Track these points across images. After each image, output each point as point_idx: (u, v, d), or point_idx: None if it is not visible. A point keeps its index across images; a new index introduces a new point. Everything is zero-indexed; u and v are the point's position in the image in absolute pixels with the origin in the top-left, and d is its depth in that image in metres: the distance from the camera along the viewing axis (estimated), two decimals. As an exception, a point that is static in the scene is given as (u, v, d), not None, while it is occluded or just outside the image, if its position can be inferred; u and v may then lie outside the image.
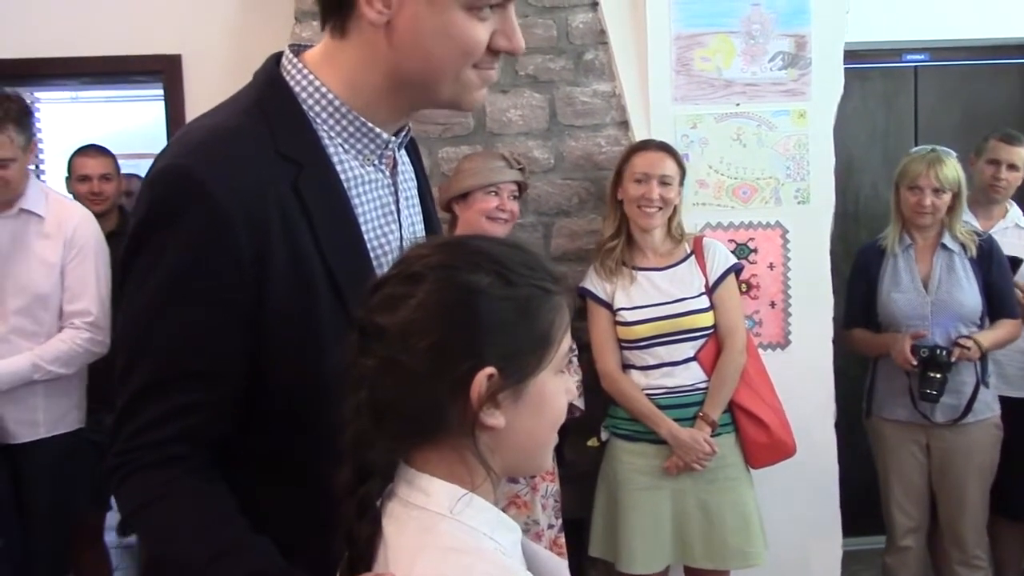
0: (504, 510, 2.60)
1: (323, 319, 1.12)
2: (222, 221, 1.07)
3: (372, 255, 1.20)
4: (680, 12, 3.13)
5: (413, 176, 1.32)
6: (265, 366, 1.12)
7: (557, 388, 1.02)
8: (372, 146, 1.20)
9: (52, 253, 2.81)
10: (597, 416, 2.87)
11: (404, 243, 1.24)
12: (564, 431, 2.67)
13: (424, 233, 1.32)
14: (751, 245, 3.19)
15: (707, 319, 2.72)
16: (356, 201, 1.19)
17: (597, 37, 3.16)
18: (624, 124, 3.17)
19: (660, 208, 2.73)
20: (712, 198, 3.18)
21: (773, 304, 3.20)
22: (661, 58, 3.14)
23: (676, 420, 2.68)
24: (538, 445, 1.04)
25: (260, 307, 1.10)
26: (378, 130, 1.19)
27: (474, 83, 1.17)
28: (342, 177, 1.18)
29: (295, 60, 1.20)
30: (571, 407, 2.77)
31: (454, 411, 0.95)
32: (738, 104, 3.17)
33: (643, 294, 2.74)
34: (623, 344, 2.77)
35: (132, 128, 6.51)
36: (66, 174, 3.61)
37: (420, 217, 1.32)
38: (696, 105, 3.16)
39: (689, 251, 2.80)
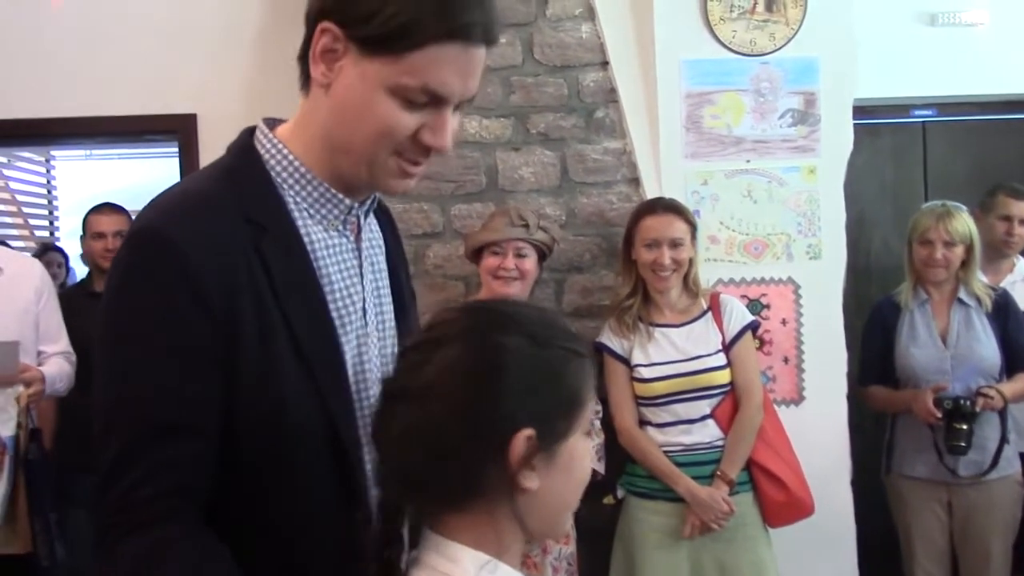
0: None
1: (285, 378, 1.13)
2: (193, 275, 1.08)
3: (336, 317, 1.20)
4: (689, 71, 3.17)
5: (381, 244, 1.32)
6: (232, 423, 1.12)
7: (585, 450, 1.03)
8: (336, 211, 1.22)
9: (21, 300, 2.87)
10: (612, 473, 2.84)
11: (367, 307, 1.25)
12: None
13: (391, 302, 1.31)
14: (764, 301, 3.19)
15: (724, 376, 2.70)
16: (320, 264, 1.20)
17: (607, 96, 3.19)
18: (635, 181, 3.18)
19: (674, 270, 2.73)
20: (724, 254, 3.19)
21: (787, 360, 3.18)
22: (671, 116, 3.17)
23: (693, 478, 2.65)
24: (565, 508, 1.04)
25: (230, 363, 1.11)
26: (340, 196, 1.21)
27: (392, 170, 1.16)
28: (306, 240, 1.19)
29: (266, 131, 1.24)
30: (592, 471, 2.75)
31: (491, 474, 0.95)
32: (748, 160, 3.19)
33: (660, 351, 2.73)
34: (640, 401, 2.75)
35: (147, 184, 6.54)
36: (81, 232, 3.65)
37: (386, 283, 1.31)
38: (707, 162, 3.18)
39: (706, 307, 2.79)
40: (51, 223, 5.47)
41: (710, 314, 2.77)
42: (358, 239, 1.26)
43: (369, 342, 1.23)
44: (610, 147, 3.19)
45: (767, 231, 3.19)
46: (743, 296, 3.14)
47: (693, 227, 2.80)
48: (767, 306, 3.19)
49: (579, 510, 2.68)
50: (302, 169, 1.19)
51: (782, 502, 2.70)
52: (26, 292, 2.87)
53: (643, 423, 2.77)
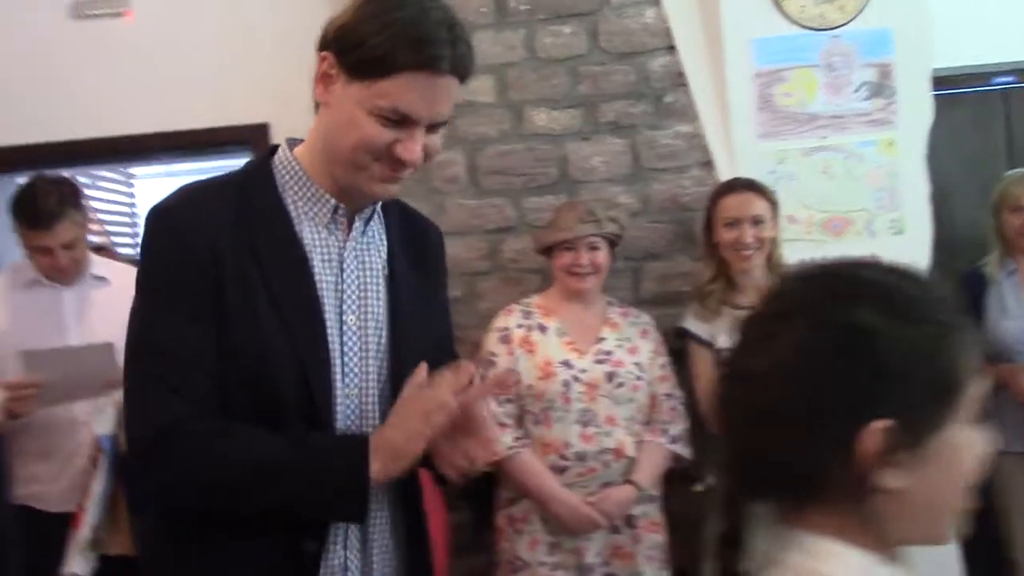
0: (607, 561, 2.54)
1: (263, 329, 1.35)
2: (185, 245, 1.35)
3: (322, 309, 1.40)
4: (759, 49, 3.12)
5: (381, 248, 1.49)
6: (223, 368, 1.35)
7: (968, 441, 0.88)
8: (324, 209, 1.41)
9: (127, 312, 2.90)
10: (701, 460, 2.81)
11: (344, 297, 1.43)
12: (670, 476, 2.62)
13: (382, 299, 1.47)
14: (847, 279, 3.11)
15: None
16: (308, 256, 1.41)
17: (676, 80, 3.16)
18: (708, 164, 3.15)
19: (757, 248, 2.69)
20: (803, 233, 3.13)
21: (874, 338, 3.11)
22: (742, 96, 3.13)
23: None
24: (945, 511, 0.89)
25: (219, 314, 1.34)
26: (328, 195, 1.40)
27: (373, 175, 1.35)
28: (299, 235, 1.40)
29: (284, 146, 1.47)
30: (677, 456, 2.72)
31: (839, 470, 0.84)
32: (824, 137, 3.13)
33: (744, 334, 2.68)
34: (726, 386, 2.71)
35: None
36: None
37: (378, 282, 1.47)
38: (781, 141, 3.13)
39: (789, 288, 2.74)
40: (134, 240, 5.60)
41: None
42: (347, 238, 1.44)
43: (344, 329, 1.42)
44: (681, 131, 3.15)
45: (847, 208, 3.12)
46: (825, 276, 3.07)
47: (774, 205, 2.76)
48: (850, 284, 3.11)
49: (668, 499, 2.67)
50: (300, 172, 1.41)
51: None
52: (129, 303, 2.92)
53: (730, 408, 2.72)
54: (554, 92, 3.15)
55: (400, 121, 1.30)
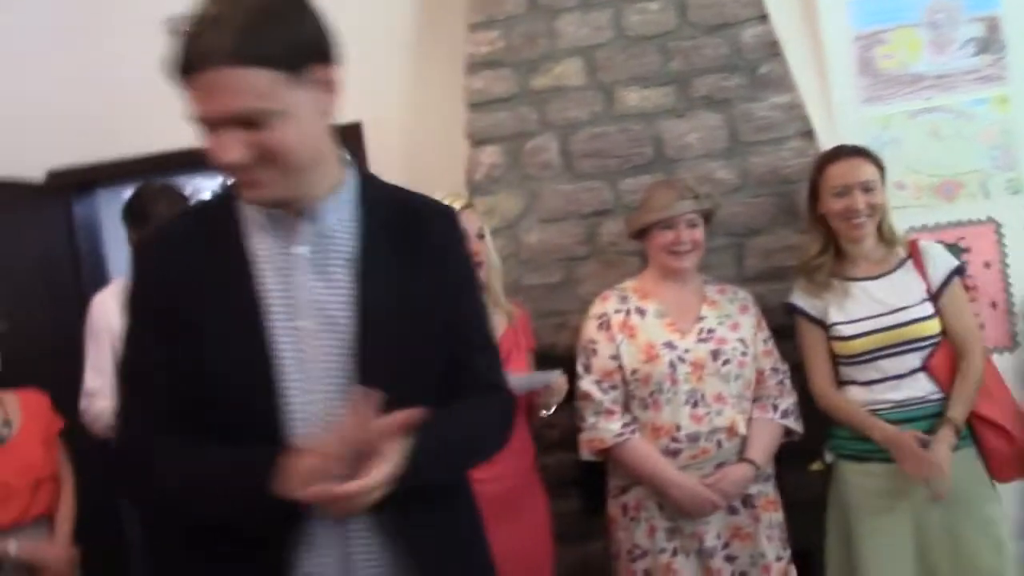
0: (728, 543, 2.50)
1: (215, 361, 1.41)
2: (148, 270, 1.49)
3: (264, 306, 1.41)
4: (857, 11, 3.02)
5: (344, 252, 1.45)
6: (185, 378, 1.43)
7: None
8: (272, 223, 1.43)
9: None
10: (817, 438, 2.73)
11: (295, 314, 1.41)
12: (781, 455, 2.56)
13: (345, 301, 1.43)
14: (962, 244, 2.99)
15: (932, 327, 2.55)
16: (258, 266, 1.43)
17: (770, 49, 3.07)
18: (808, 134, 3.05)
19: (869, 216, 2.59)
20: (912, 199, 3.02)
21: (994, 305, 2.98)
22: (841, 61, 3.03)
23: (908, 436, 2.52)
24: None
25: (177, 333, 1.42)
26: (268, 210, 1.42)
27: (239, 181, 1.39)
28: (256, 248, 1.43)
29: None
30: (788, 430, 2.65)
31: None
32: (930, 98, 3.01)
33: (859, 306, 2.60)
34: (841, 360, 2.63)
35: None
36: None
37: (341, 286, 1.43)
38: (885, 105, 3.03)
39: (905, 255, 2.64)
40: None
41: (910, 262, 2.62)
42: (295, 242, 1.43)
43: (298, 334, 1.41)
44: (778, 102, 3.06)
45: (958, 170, 3.00)
46: (938, 242, 2.95)
47: (882, 171, 2.65)
48: (966, 250, 3.00)
49: (781, 475, 2.60)
50: None
51: (1008, 452, 2.52)
52: None
53: (847, 383, 2.64)
54: (644, 70, 3.10)
55: (209, 125, 1.32)
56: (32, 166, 3.68)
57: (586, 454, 2.66)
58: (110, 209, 4.03)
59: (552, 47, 3.12)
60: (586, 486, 3.00)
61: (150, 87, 3.65)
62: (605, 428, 2.58)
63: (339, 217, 1.45)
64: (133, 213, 2.81)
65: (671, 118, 3.09)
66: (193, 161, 3.63)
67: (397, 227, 1.48)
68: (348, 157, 1.53)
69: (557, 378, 2.55)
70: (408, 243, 1.48)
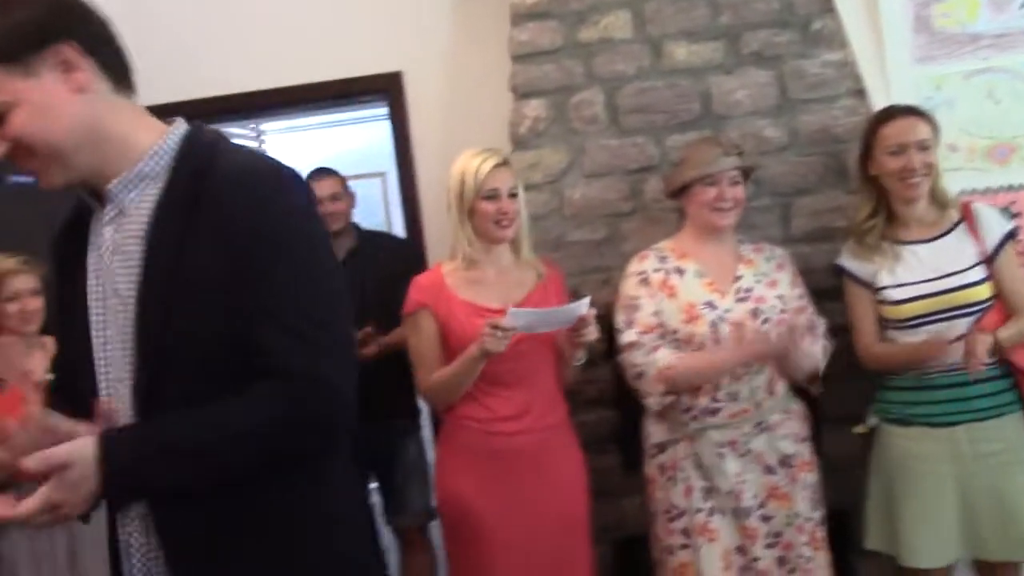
0: (763, 503, 2.50)
1: (60, 343, 1.59)
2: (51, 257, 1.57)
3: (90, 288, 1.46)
4: (915, -33, 2.94)
5: (136, 230, 1.42)
6: None
7: None
8: (95, 204, 1.48)
9: None
10: (860, 401, 2.72)
11: (104, 295, 1.44)
12: (818, 418, 2.54)
13: (132, 278, 1.42)
14: (1014, 209, 2.94)
15: (983, 292, 2.51)
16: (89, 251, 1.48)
17: (823, 5, 3.01)
18: (860, 92, 3.00)
19: (924, 175, 2.55)
20: (965, 162, 2.96)
21: (1044, 271, 2.93)
22: (896, 18, 2.96)
23: (956, 400, 2.50)
24: None
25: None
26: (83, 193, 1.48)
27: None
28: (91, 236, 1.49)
29: None
30: (814, 377, 2.62)
31: None
32: (987, 59, 2.94)
33: (909, 270, 2.57)
34: (890, 324, 2.60)
35: (348, 151, 6.77)
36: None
37: (131, 264, 1.42)
38: (940, 64, 2.96)
39: (957, 219, 2.60)
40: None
41: (963, 225, 2.57)
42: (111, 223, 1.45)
43: (106, 315, 1.44)
44: (830, 59, 3.00)
45: (1013, 133, 2.94)
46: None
47: (936, 131, 2.60)
48: (1017, 215, 2.94)
49: (819, 436, 2.58)
50: None
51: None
52: None
53: (895, 348, 2.62)
54: (694, 24, 3.04)
55: None
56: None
57: (656, 393, 2.56)
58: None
59: (600, -1, 3.07)
60: (624, 442, 3.02)
61: (193, 35, 3.69)
62: (661, 357, 2.55)
63: (140, 193, 1.43)
64: None
65: (720, 74, 3.04)
66: (232, 108, 3.68)
67: (194, 198, 1.39)
68: (181, 125, 1.48)
69: (586, 307, 2.48)
70: (200, 215, 1.38)
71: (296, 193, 1.43)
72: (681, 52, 3.04)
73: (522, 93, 3.10)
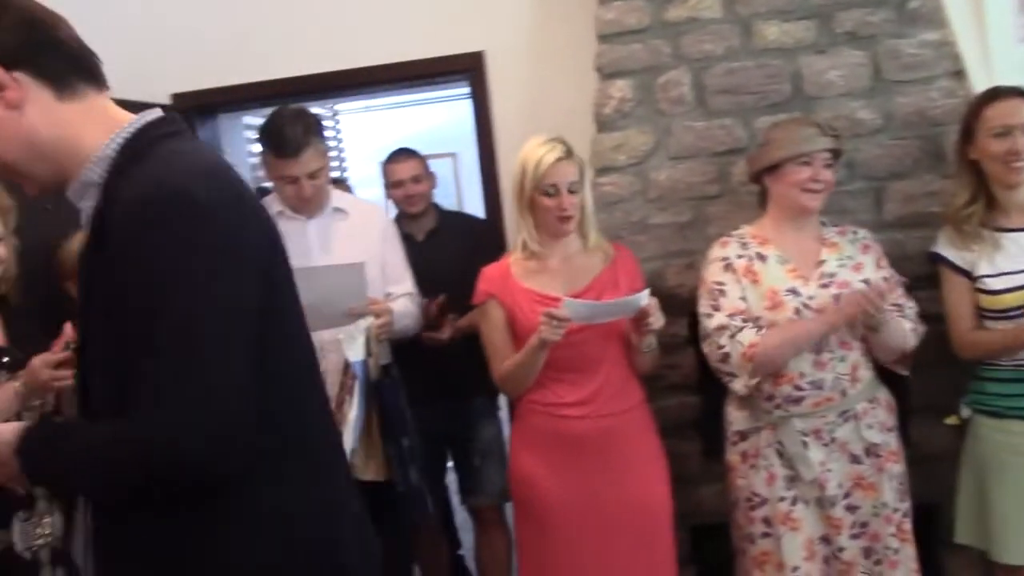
0: (849, 492, 2.45)
1: None
2: None
3: None
4: (1021, -57, 2.83)
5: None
6: None
7: None
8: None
9: (367, 244, 2.98)
10: (952, 392, 2.64)
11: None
12: (905, 408, 2.48)
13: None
14: (1120, 196, 2.81)
15: (1088, 282, 2.42)
16: None
17: (922, -18, 2.92)
18: (959, 74, 2.90)
19: None
20: (1068, 147, 2.84)
21: None
22: (999, -3, 2.85)
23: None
24: None
25: None
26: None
27: None
28: None
29: None
30: (903, 357, 2.55)
31: None
32: (1096, 38, 2.82)
33: (1010, 259, 2.48)
34: (987, 314, 2.53)
35: (419, 131, 6.80)
36: (384, 181, 3.73)
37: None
38: (1045, 44, 2.84)
39: (1061, 206, 2.51)
40: (340, 173, 5.77)
41: None
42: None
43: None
44: (928, 39, 2.91)
45: (1121, 117, 2.80)
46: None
47: None
48: (1124, 202, 2.82)
49: (906, 428, 2.52)
50: None
51: None
52: (371, 235, 2.99)
53: (993, 339, 2.54)
54: (785, 3, 2.97)
55: None
56: (157, 90, 3.72)
57: (743, 373, 2.51)
58: (230, 134, 4.08)
59: (689, -23, 3.01)
60: (705, 428, 2.98)
61: (272, 15, 3.72)
62: (745, 336, 2.50)
63: (90, 201, 1.41)
64: (270, 136, 2.81)
65: (811, 54, 2.96)
66: (312, 87, 3.71)
67: (99, 209, 1.38)
68: (136, 122, 1.42)
69: (645, 300, 2.46)
70: (100, 227, 1.36)
71: (186, 222, 1.29)
72: (772, 31, 2.97)
73: (607, 73, 3.06)
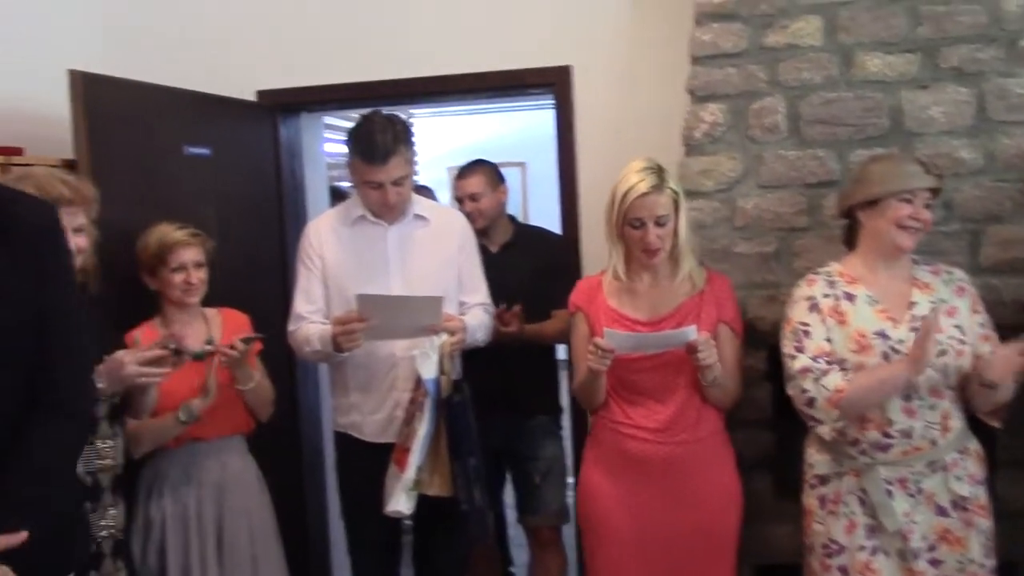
0: (933, 546, 2.35)
1: None
2: None
3: None
4: None
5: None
6: None
7: None
8: None
9: (445, 251, 2.96)
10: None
11: None
12: (993, 461, 2.38)
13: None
14: None
15: None
16: None
17: (1035, 21, 2.81)
18: (1069, 118, 2.79)
19: None
20: None
21: None
22: (1118, 40, 2.73)
23: None
24: None
25: None
26: None
27: None
28: None
29: None
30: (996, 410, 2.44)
31: None
32: None
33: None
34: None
35: (488, 138, 6.79)
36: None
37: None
38: None
39: None
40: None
41: None
42: None
43: None
44: (1037, 80, 2.81)
45: None
46: None
47: None
48: None
49: (993, 482, 2.43)
50: None
51: None
52: (449, 243, 2.97)
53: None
54: (890, 34, 2.88)
55: None
56: (244, 87, 3.75)
57: (829, 420, 2.44)
58: (311, 133, 4.09)
59: (791, 2, 2.93)
60: (778, 467, 2.91)
61: (360, 19, 3.72)
62: (831, 381, 2.42)
63: None
64: (360, 140, 2.79)
65: (914, 88, 2.87)
66: (396, 92, 3.70)
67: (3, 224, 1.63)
68: None
69: (692, 335, 2.44)
70: (8, 243, 1.62)
71: None
72: (874, 63, 2.88)
73: (700, 96, 3.00)
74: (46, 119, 3.15)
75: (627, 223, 2.56)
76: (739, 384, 2.70)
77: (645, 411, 2.59)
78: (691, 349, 2.48)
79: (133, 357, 2.34)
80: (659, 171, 2.56)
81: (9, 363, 1.65)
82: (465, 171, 3.58)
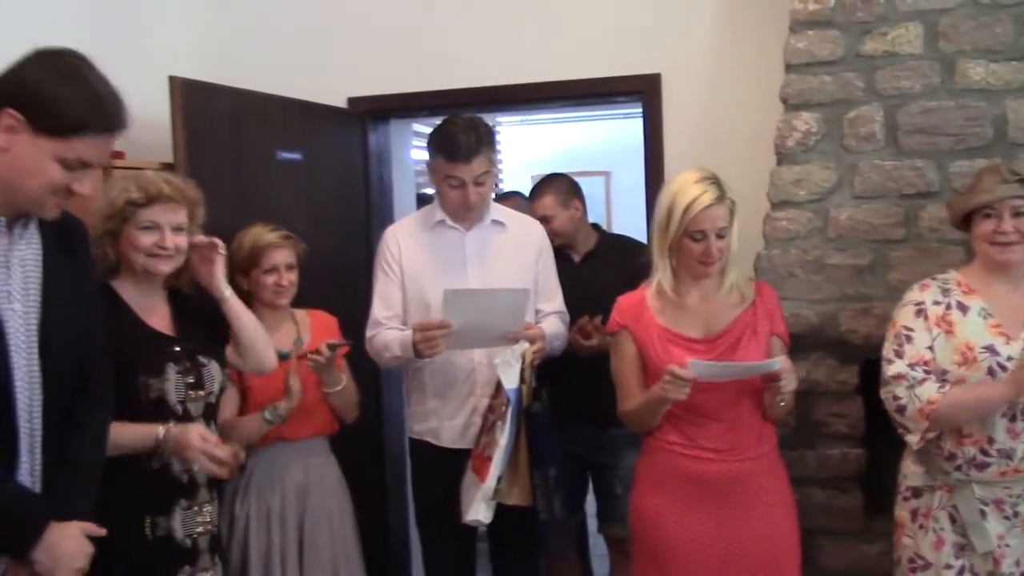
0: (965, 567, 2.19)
1: None
2: None
3: None
4: None
5: (34, 252, 1.81)
6: None
7: None
8: None
9: (523, 258, 2.95)
10: None
11: (11, 301, 1.76)
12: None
13: (36, 294, 1.79)
14: None
15: None
16: None
17: None
18: None
19: None
20: None
21: None
22: None
23: None
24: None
25: None
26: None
27: (52, 207, 1.77)
28: None
29: None
30: None
31: None
32: None
33: None
34: None
35: (572, 147, 6.78)
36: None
37: (34, 279, 1.80)
38: None
39: None
40: (497, 184, 5.78)
41: None
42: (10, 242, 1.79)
43: (11, 316, 1.75)
44: None
45: None
46: None
47: None
48: None
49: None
50: None
51: None
52: (527, 249, 2.96)
53: None
54: (995, 42, 2.79)
55: (78, 167, 1.72)
56: (335, 93, 3.81)
57: (918, 430, 2.36)
58: (400, 139, 4.14)
59: (890, 9, 2.86)
60: (871, 483, 2.83)
61: (450, 26, 3.75)
62: (925, 391, 2.34)
63: (32, 222, 1.82)
64: (443, 139, 2.81)
65: (1019, 98, 2.77)
66: (484, 99, 3.72)
67: (59, 227, 1.85)
68: None
69: (778, 365, 2.35)
70: (67, 242, 1.88)
71: None
72: (977, 71, 2.79)
73: (793, 104, 2.95)
74: (145, 124, 3.23)
75: (687, 235, 2.47)
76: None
77: (707, 431, 2.48)
78: (773, 377, 2.39)
79: (203, 447, 2.22)
80: (717, 181, 2.48)
81: (73, 358, 1.87)
82: (535, 192, 3.53)
